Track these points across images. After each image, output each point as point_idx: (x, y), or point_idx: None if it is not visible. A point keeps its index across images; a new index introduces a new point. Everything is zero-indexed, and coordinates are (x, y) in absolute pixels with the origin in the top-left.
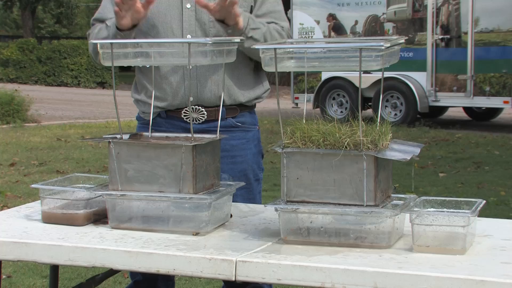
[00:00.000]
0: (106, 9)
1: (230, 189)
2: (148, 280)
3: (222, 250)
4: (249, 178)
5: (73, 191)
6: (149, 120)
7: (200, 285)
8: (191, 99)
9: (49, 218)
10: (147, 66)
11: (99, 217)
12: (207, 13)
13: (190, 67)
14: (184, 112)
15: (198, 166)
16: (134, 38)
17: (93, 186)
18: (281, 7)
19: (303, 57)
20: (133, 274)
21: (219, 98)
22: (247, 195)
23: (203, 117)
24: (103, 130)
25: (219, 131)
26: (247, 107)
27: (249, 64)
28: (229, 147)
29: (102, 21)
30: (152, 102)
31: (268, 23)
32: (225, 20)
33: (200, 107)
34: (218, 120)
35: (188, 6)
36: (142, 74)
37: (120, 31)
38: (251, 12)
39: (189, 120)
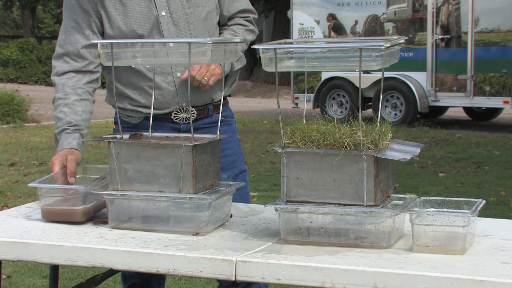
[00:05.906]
0: (72, 39)
1: (230, 189)
2: (144, 281)
3: (222, 250)
4: (239, 169)
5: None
6: (133, 124)
7: (200, 285)
8: (184, 104)
9: (48, 214)
10: (139, 68)
11: (98, 211)
12: (183, 17)
13: (191, 67)
14: (175, 113)
15: (198, 166)
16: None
17: (93, 176)
18: None
19: (303, 57)
20: (126, 279)
21: (209, 97)
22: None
23: (194, 116)
24: (103, 130)
25: (208, 128)
26: (226, 101)
27: None
28: None
29: (66, 54)
30: (152, 102)
31: (239, 12)
32: None
33: (191, 108)
34: (206, 117)
35: (163, 13)
36: (121, 84)
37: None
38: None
39: (179, 120)
